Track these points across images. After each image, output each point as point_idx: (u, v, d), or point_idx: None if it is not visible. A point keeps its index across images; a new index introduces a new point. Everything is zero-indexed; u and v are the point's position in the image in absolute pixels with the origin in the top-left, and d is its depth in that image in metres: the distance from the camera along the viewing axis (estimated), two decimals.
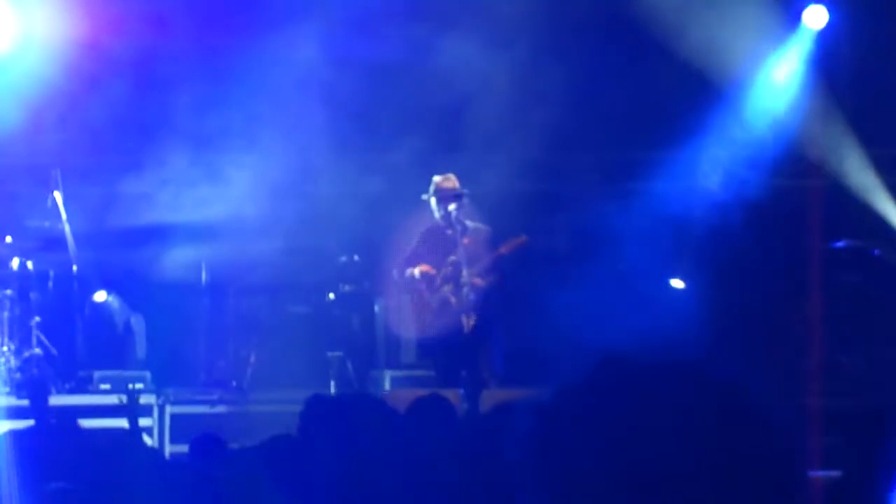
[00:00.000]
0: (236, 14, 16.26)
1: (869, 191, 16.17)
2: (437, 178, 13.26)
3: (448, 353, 12.92)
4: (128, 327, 15.75)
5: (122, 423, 10.86)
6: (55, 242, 15.54)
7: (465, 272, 12.86)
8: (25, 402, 12.38)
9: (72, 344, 15.43)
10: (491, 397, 12.21)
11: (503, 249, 13.03)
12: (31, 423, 11.07)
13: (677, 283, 15.74)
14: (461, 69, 15.51)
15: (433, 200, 13.07)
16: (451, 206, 12.96)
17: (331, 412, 8.40)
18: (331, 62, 15.94)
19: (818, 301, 15.60)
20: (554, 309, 15.08)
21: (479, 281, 12.86)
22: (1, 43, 15.77)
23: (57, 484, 6.55)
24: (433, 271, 12.91)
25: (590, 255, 15.78)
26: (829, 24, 16.55)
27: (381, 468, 6.16)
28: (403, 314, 14.40)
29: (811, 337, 15.50)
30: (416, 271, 13.01)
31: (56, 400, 13.41)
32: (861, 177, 16.23)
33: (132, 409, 10.94)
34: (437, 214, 13.14)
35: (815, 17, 16.66)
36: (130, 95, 15.79)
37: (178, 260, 15.64)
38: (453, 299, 12.86)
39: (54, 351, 14.95)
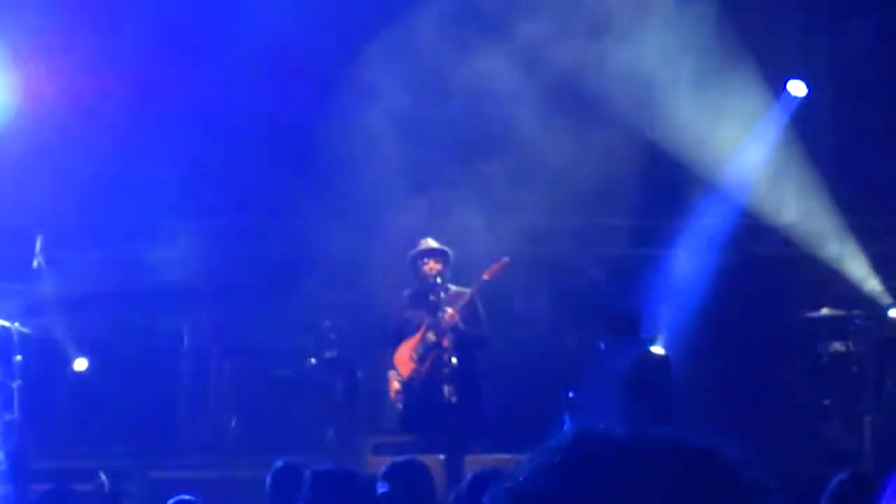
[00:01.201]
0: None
1: (847, 259, 16.21)
2: (422, 242, 13.25)
3: (430, 420, 12.82)
4: (109, 391, 15.70)
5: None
6: (38, 306, 15.53)
7: (447, 313, 12.80)
8: (4, 467, 12.31)
9: (53, 408, 15.38)
10: (475, 462, 12.14)
11: (486, 276, 12.98)
12: (9, 487, 10.99)
13: (658, 350, 15.66)
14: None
15: (417, 263, 13.02)
16: (433, 269, 12.90)
17: (300, 481, 8.33)
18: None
19: (801, 370, 15.57)
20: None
21: (459, 322, 12.78)
22: None
23: None
24: (412, 349, 12.85)
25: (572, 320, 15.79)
26: (808, 96, 16.70)
27: None
28: (385, 381, 14.36)
29: (794, 406, 15.48)
30: (391, 374, 12.98)
31: (36, 465, 13.36)
32: (838, 246, 16.28)
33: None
34: (419, 279, 13.09)
35: (797, 89, 16.76)
36: (114, 159, 15.77)
37: (160, 324, 15.61)
38: (441, 340, 12.81)
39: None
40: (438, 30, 15.56)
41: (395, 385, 12.99)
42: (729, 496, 1.96)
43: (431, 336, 12.83)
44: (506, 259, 13.19)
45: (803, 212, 16.36)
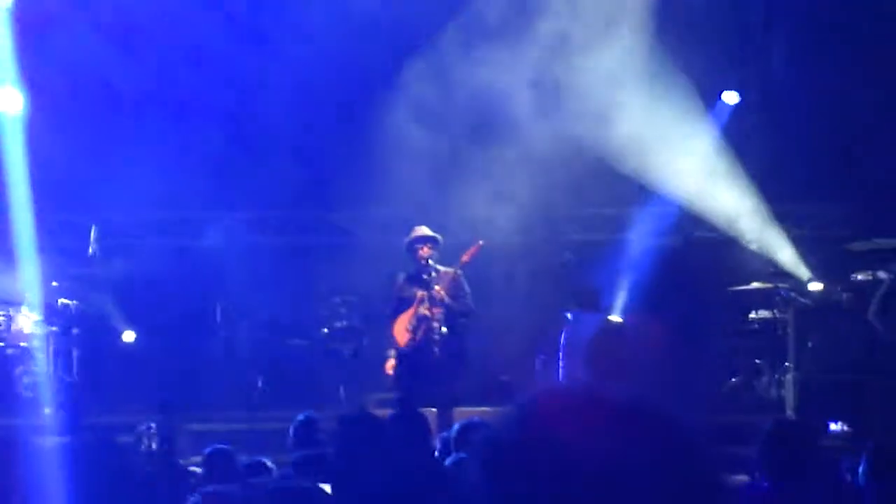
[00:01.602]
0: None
1: (772, 241, 16.23)
2: (417, 229, 13.22)
3: (421, 372, 12.82)
4: (153, 358, 15.69)
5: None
6: (92, 287, 15.52)
7: (437, 289, 12.78)
8: (64, 421, 12.29)
9: (104, 373, 15.36)
10: (462, 414, 12.15)
11: (464, 257, 12.95)
12: (67, 438, 10.89)
13: (615, 319, 15.65)
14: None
15: (412, 247, 12.99)
16: (426, 253, 12.87)
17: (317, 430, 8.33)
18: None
19: (735, 334, 15.56)
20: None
21: (447, 299, 12.76)
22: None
23: None
24: (408, 318, 12.82)
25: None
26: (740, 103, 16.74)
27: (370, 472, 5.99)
28: (387, 347, 14.32)
29: (730, 365, 15.46)
30: (387, 365, 12.96)
31: (90, 420, 13.35)
32: (765, 230, 16.29)
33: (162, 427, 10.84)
34: (414, 261, 13.05)
35: (730, 97, 16.77)
36: (154, 159, 15.69)
37: (196, 301, 15.56)
38: (429, 311, 12.78)
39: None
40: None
41: (391, 363, 12.97)
42: (670, 441, 1.94)
43: (424, 310, 12.80)
44: (480, 242, 13.15)
45: (736, 201, 16.36)
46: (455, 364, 12.88)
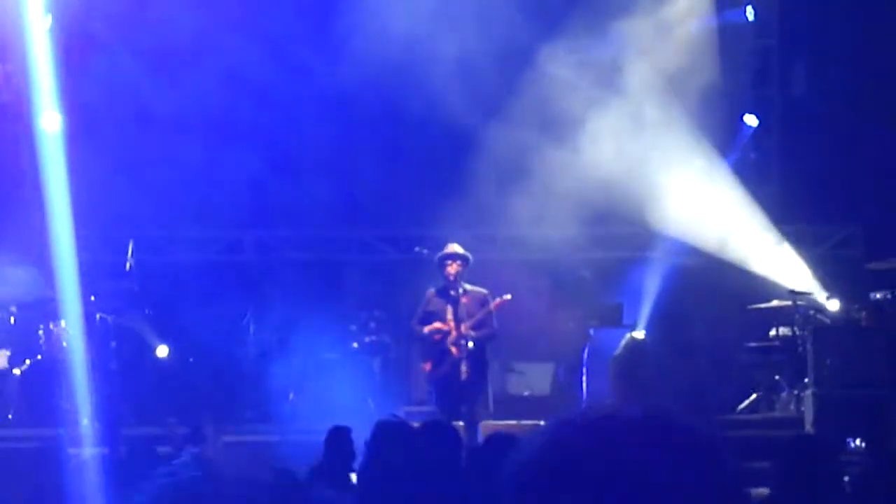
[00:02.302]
0: None
1: (791, 260, 16.37)
2: (448, 246, 13.42)
3: (451, 393, 12.99)
4: (188, 372, 15.84)
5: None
6: (129, 302, 15.69)
7: (463, 326, 12.96)
8: (102, 432, 12.48)
9: (141, 384, 15.51)
10: (487, 427, 12.35)
11: (493, 306, 13.16)
12: (105, 449, 11.09)
13: (638, 335, 15.80)
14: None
15: (442, 263, 13.18)
16: (455, 270, 13.07)
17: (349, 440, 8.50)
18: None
19: (755, 351, 15.66)
20: None
21: (473, 332, 12.97)
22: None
23: None
24: (445, 327, 12.99)
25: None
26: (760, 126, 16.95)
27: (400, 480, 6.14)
28: (414, 361, 14.47)
29: (751, 381, 15.56)
30: (427, 329, 13.10)
31: (128, 431, 13.50)
32: (780, 250, 16.45)
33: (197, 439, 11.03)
34: (443, 277, 13.23)
35: (751, 120, 16.97)
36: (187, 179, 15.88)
37: (229, 318, 15.71)
38: (454, 349, 12.95)
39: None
40: None
41: (436, 325, 13.04)
42: (695, 455, 2.02)
43: (454, 350, 12.96)
44: (508, 296, 13.40)
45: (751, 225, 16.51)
46: (479, 380, 13.07)
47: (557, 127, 15.76)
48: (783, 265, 16.19)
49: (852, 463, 9.01)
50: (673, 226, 16.00)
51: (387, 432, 6.45)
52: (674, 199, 15.90)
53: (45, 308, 14.87)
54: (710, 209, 16.06)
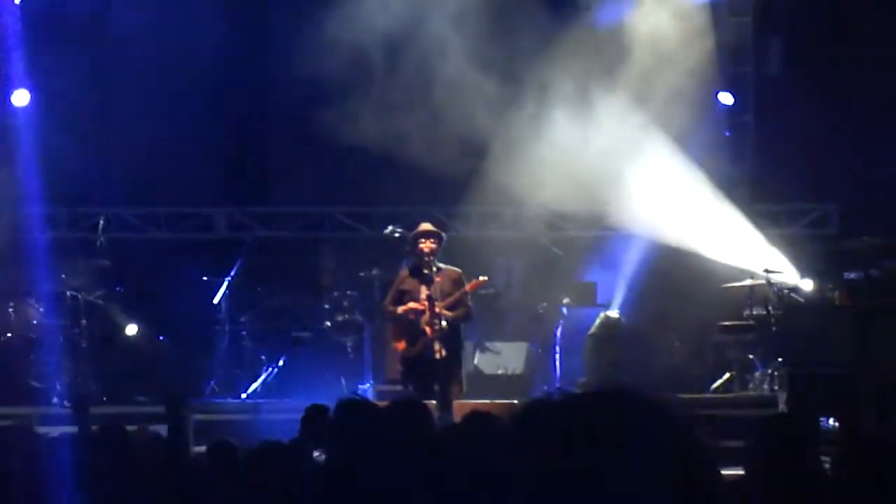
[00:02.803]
0: None
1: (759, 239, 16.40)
2: (422, 224, 13.34)
3: (424, 372, 12.91)
4: (159, 349, 15.76)
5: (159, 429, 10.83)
6: (100, 279, 15.60)
7: (437, 306, 12.88)
8: (72, 411, 12.37)
9: (112, 363, 15.42)
10: (461, 407, 12.30)
11: (468, 287, 13.08)
12: (75, 429, 10.99)
13: (613, 314, 15.79)
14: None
15: (416, 241, 13.09)
16: (429, 248, 12.98)
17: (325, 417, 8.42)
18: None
19: (729, 330, 15.65)
20: None
21: (448, 313, 12.90)
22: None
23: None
24: (420, 306, 12.90)
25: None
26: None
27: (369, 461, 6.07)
28: (388, 340, 14.38)
29: (724, 360, 15.56)
30: (401, 309, 13.00)
31: (98, 409, 13.41)
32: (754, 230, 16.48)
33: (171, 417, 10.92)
34: (417, 255, 13.15)
35: (726, 98, 16.90)
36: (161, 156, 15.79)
37: (201, 295, 15.61)
38: (428, 329, 12.87)
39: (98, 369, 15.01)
40: None
41: (410, 305, 12.93)
42: (667, 434, 2.05)
43: (428, 330, 12.86)
44: (484, 278, 13.32)
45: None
46: (453, 360, 13.01)
47: (525, 102, 15.71)
48: (752, 248, 16.16)
49: (827, 442, 9.00)
50: (637, 224, 15.91)
51: (350, 411, 6.37)
52: (636, 194, 15.80)
53: (14, 285, 14.76)
54: (673, 200, 15.96)
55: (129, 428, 11.57)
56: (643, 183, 15.74)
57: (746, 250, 16.04)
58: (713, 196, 16.15)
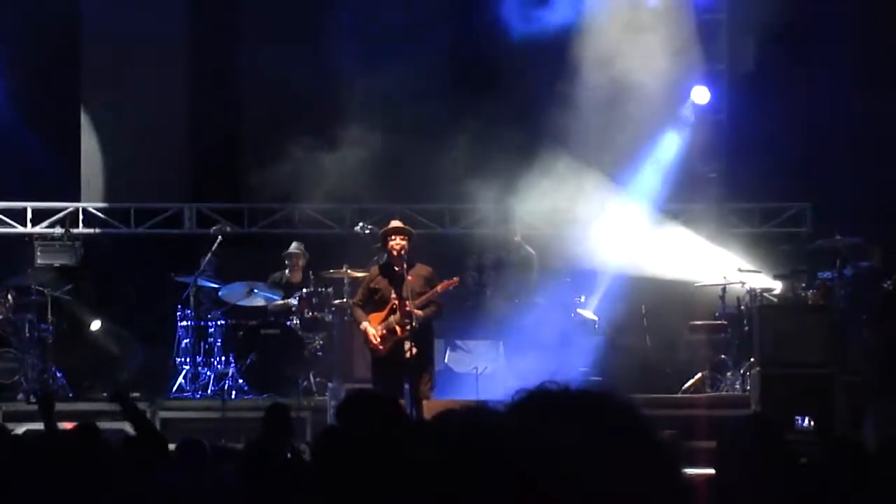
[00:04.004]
0: None
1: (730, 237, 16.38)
2: (391, 221, 13.28)
3: (394, 371, 12.82)
4: (124, 346, 15.67)
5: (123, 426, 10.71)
6: (66, 275, 15.52)
7: (408, 304, 12.79)
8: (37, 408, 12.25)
9: (78, 359, 15.33)
10: (432, 406, 12.23)
11: (439, 288, 12.99)
12: (40, 425, 10.89)
13: (587, 314, 15.72)
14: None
15: (386, 238, 13.01)
16: (399, 245, 12.89)
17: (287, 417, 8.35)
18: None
19: (701, 330, 15.61)
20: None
21: (419, 312, 12.80)
22: None
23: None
24: (377, 337, 12.76)
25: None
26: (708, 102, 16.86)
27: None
28: (357, 338, 14.28)
29: (696, 360, 15.52)
30: (362, 326, 12.89)
31: (62, 406, 13.30)
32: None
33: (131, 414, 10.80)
34: (387, 252, 13.07)
35: (700, 96, 16.86)
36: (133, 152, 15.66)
37: (167, 292, 15.49)
38: (398, 328, 12.78)
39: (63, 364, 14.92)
40: None
41: (374, 318, 12.85)
42: (633, 434, 2.01)
43: (399, 330, 12.76)
44: (456, 279, 13.26)
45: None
46: (424, 359, 12.92)
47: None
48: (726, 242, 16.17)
49: (800, 443, 8.96)
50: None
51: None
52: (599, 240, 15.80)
53: None
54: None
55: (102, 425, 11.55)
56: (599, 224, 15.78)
57: (707, 260, 16.05)
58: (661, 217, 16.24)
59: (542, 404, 2.05)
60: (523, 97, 15.92)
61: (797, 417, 13.38)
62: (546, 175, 15.52)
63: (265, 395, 14.27)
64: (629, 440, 1.97)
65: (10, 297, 14.72)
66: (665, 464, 1.99)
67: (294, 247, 15.72)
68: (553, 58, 15.65)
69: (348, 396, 6.20)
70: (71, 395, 14.64)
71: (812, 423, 13.23)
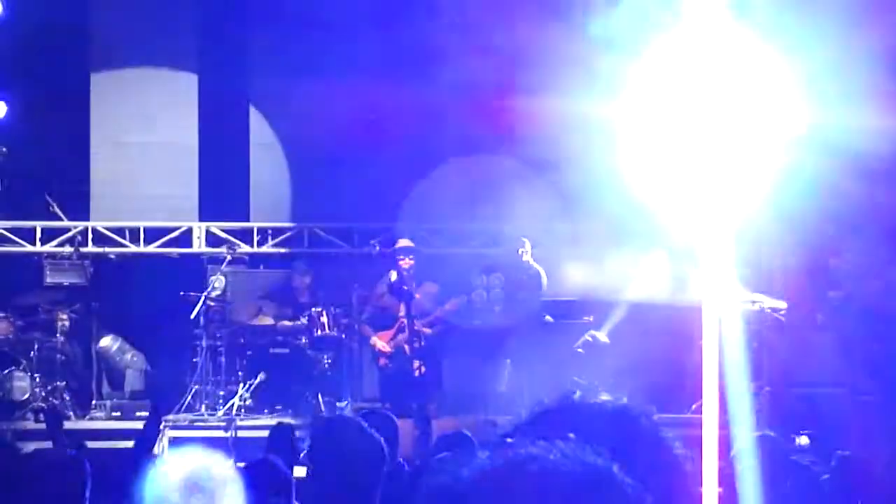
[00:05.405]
0: None
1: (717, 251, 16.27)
2: (400, 241, 13.33)
3: (402, 390, 12.85)
4: (133, 364, 15.69)
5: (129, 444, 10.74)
6: (73, 295, 15.55)
7: (416, 323, 12.83)
8: (46, 427, 12.30)
9: (88, 378, 15.36)
10: (441, 425, 12.25)
11: (448, 306, 13.02)
12: (49, 444, 10.93)
13: (602, 337, 15.70)
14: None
15: (395, 258, 13.06)
16: (408, 265, 12.94)
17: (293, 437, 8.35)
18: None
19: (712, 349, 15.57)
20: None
21: (427, 330, 12.84)
22: None
23: None
24: (386, 350, 12.77)
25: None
26: None
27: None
28: (366, 357, 14.29)
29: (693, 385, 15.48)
30: (372, 341, 12.91)
31: (71, 425, 13.35)
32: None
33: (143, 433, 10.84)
34: (396, 271, 13.11)
35: None
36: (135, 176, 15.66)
37: (178, 311, 15.50)
38: (406, 347, 12.81)
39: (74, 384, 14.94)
40: None
41: (382, 337, 12.85)
42: (642, 447, 2.05)
43: (407, 348, 12.79)
44: (464, 298, 13.31)
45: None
46: (433, 377, 12.95)
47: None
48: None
49: (811, 462, 8.95)
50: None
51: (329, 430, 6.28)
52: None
53: None
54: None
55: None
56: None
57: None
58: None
59: (562, 419, 2.07)
60: None
61: (807, 436, 13.38)
62: (555, 194, 15.54)
63: (274, 414, 14.28)
64: (651, 456, 1.99)
65: (19, 316, 14.77)
66: (684, 479, 2.01)
67: (302, 266, 15.76)
68: None
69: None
70: (80, 413, 14.65)
71: (816, 440, 13.24)
